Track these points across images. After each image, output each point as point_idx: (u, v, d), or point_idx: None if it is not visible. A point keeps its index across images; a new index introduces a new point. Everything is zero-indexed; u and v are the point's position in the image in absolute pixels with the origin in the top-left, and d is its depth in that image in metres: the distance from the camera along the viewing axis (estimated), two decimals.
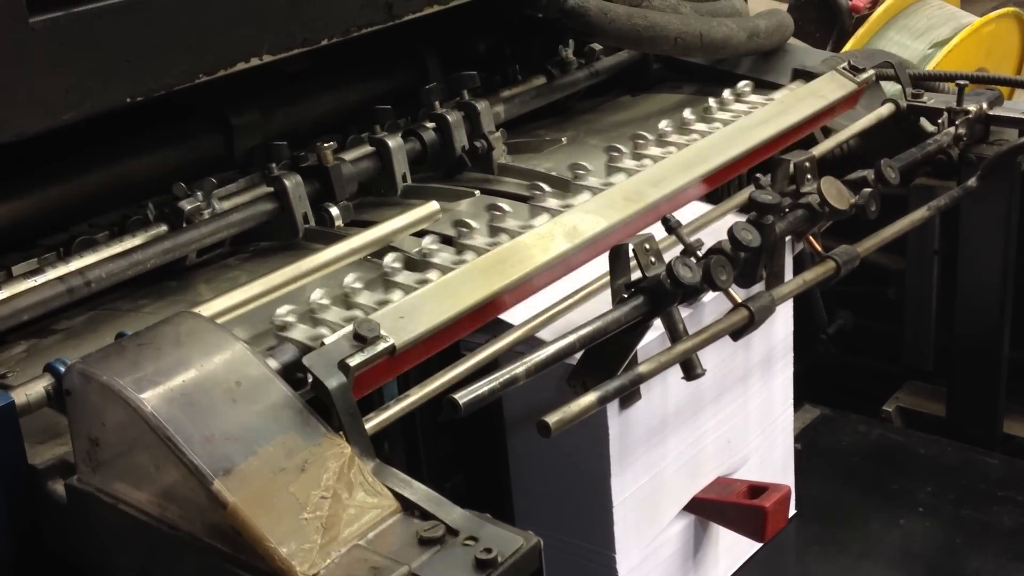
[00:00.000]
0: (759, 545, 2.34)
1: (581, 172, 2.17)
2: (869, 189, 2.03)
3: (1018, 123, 2.62)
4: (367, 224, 2.33)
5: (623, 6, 2.71)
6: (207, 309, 1.84)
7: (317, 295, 1.76)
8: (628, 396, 1.93)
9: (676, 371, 2.03)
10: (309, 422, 1.49)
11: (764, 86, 2.93)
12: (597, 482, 1.97)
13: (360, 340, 1.55)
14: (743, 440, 2.28)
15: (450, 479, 2.19)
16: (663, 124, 2.31)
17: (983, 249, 2.67)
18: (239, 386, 1.50)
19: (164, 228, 2.20)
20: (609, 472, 1.96)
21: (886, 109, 2.60)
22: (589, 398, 1.59)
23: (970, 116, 2.55)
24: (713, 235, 1.93)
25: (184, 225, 2.17)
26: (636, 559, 2.08)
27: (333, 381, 1.51)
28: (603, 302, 1.84)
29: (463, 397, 1.49)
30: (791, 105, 2.34)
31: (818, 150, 2.33)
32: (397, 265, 1.92)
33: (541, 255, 1.81)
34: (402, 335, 1.60)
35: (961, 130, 2.53)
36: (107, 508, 1.53)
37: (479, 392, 1.51)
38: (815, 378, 2.89)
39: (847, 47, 5.73)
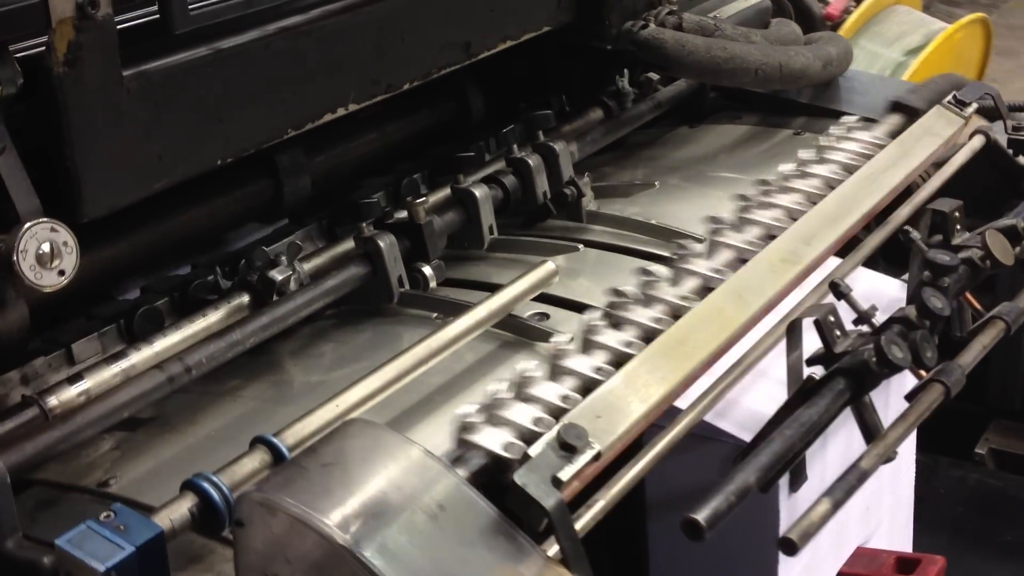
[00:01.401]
0: None
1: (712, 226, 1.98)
2: None
3: None
4: (460, 284, 2.16)
5: (700, 37, 2.55)
6: (343, 402, 1.64)
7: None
8: (796, 477, 1.78)
9: (834, 445, 1.90)
10: (523, 548, 1.31)
11: (826, 114, 2.81)
12: (762, 569, 1.81)
13: (568, 449, 1.37)
14: (877, 506, 2.13)
15: None
16: (784, 168, 2.15)
17: None
18: (443, 511, 1.31)
19: (245, 298, 2.00)
20: (777, 559, 1.80)
21: (978, 142, 2.47)
22: (824, 506, 1.43)
23: None
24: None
25: (275, 297, 1.97)
26: None
27: (551, 500, 1.32)
28: None
29: (704, 516, 1.32)
30: (911, 146, 2.19)
31: (924, 194, 2.21)
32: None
33: (720, 332, 1.63)
34: (605, 439, 1.42)
35: None
36: None
37: (718, 507, 1.33)
38: None
39: None
